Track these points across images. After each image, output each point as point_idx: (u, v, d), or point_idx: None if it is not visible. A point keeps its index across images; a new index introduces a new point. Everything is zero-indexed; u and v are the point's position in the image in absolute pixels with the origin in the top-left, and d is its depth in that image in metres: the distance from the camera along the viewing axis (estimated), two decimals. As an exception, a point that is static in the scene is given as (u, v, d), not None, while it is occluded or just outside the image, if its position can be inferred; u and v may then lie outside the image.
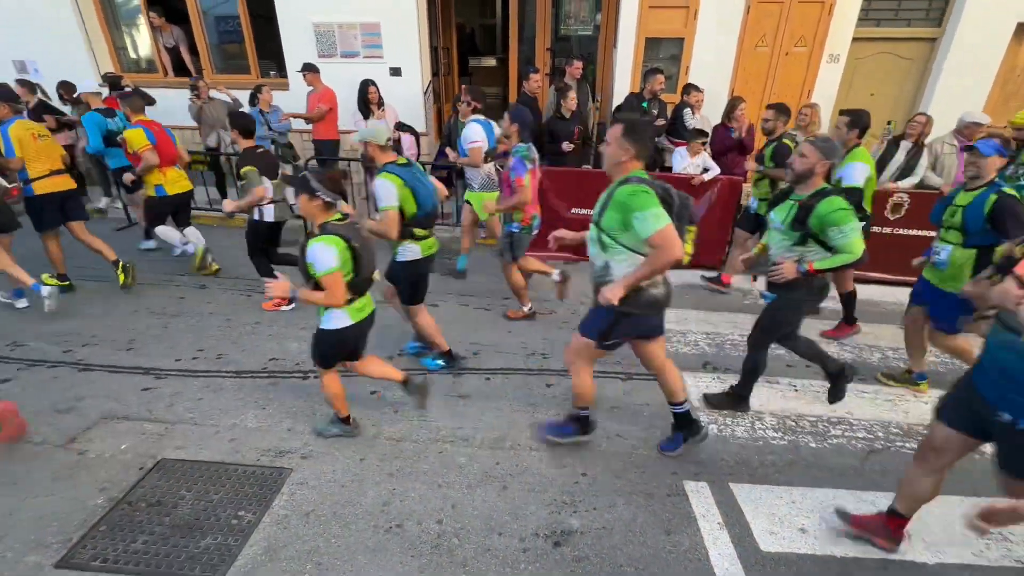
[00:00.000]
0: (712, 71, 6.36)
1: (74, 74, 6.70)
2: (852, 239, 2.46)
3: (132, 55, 8.01)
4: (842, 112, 3.80)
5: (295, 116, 6.13)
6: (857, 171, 3.53)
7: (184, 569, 2.14)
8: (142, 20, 7.68)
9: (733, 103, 5.12)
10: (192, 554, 2.21)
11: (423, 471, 2.69)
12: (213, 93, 6.36)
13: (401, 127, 6.05)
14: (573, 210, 5.32)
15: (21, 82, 6.19)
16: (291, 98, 6.63)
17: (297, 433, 2.94)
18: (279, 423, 3.02)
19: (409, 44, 6.76)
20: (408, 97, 6.79)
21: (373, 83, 5.99)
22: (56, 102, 6.55)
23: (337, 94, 6.20)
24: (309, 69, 5.94)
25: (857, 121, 3.64)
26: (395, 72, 6.82)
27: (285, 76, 7.18)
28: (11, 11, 7.31)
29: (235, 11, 7.25)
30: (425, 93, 6.99)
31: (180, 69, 7.69)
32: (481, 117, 4.61)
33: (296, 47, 6.83)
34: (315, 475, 2.65)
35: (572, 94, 5.40)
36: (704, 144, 5.09)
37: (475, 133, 4.41)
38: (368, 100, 5.99)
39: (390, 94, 6.44)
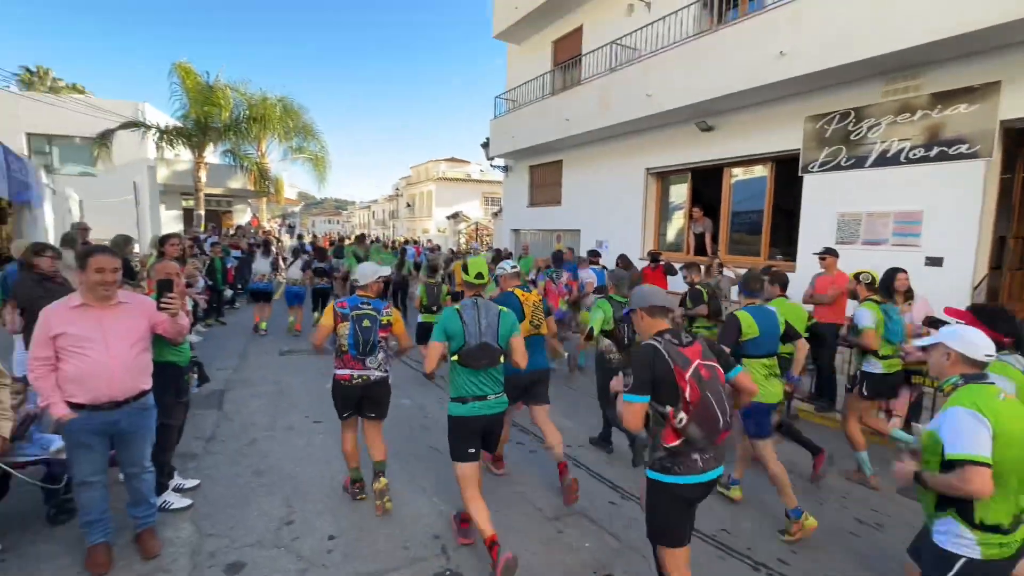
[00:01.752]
0: None
1: (628, 249, 9.20)
2: None
3: (667, 237, 10.35)
4: None
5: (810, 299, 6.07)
6: None
7: None
8: (679, 214, 9.93)
9: None
10: None
11: None
12: (724, 272, 7.26)
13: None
14: None
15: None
16: (794, 279, 6.73)
17: (737, 628, 2.56)
18: (719, 604, 2.73)
19: (961, 233, 5.75)
20: (948, 291, 5.66)
21: (903, 271, 5.33)
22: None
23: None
24: (830, 253, 5.89)
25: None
26: (933, 262, 5.88)
27: (793, 259, 7.45)
28: (600, 201, 10.96)
29: (760, 206, 8.30)
30: (976, 288, 5.65)
31: (699, 251, 9.30)
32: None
33: (813, 234, 7.03)
34: None
35: None
36: None
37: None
38: (893, 288, 5.34)
39: (921, 286, 5.55)
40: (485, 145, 15.04)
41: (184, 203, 20.52)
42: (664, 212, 10.44)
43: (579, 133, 10.86)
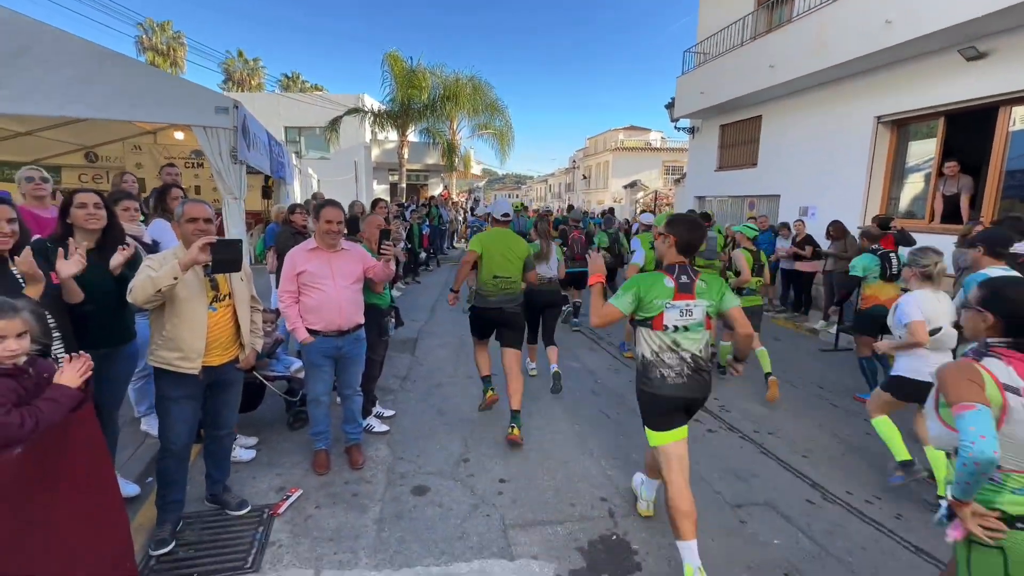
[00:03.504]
0: None
1: (845, 216, 7.67)
2: None
3: (900, 204, 8.36)
4: None
5: None
6: None
7: None
8: (918, 177, 7.87)
9: None
10: None
11: None
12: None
13: None
14: None
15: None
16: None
17: None
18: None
19: None
20: None
21: None
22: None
23: None
24: None
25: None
26: None
27: (1112, 228, 5.33)
28: (807, 160, 9.30)
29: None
30: None
31: (949, 217, 7.30)
32: None
33: None
34: None
35: None
36: None
37: None
38: None
39: None
40: (669, 106, 13.95)
41: (390, 178, 23.57)
42: (898, 171, 8.41)
43: (786, 81, 9.29)
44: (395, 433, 3.93)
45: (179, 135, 8.86)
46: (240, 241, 2.59)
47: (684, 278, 2.37)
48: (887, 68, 7.91)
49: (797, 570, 2.57)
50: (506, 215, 4.10)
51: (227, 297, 2.60)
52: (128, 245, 2.58)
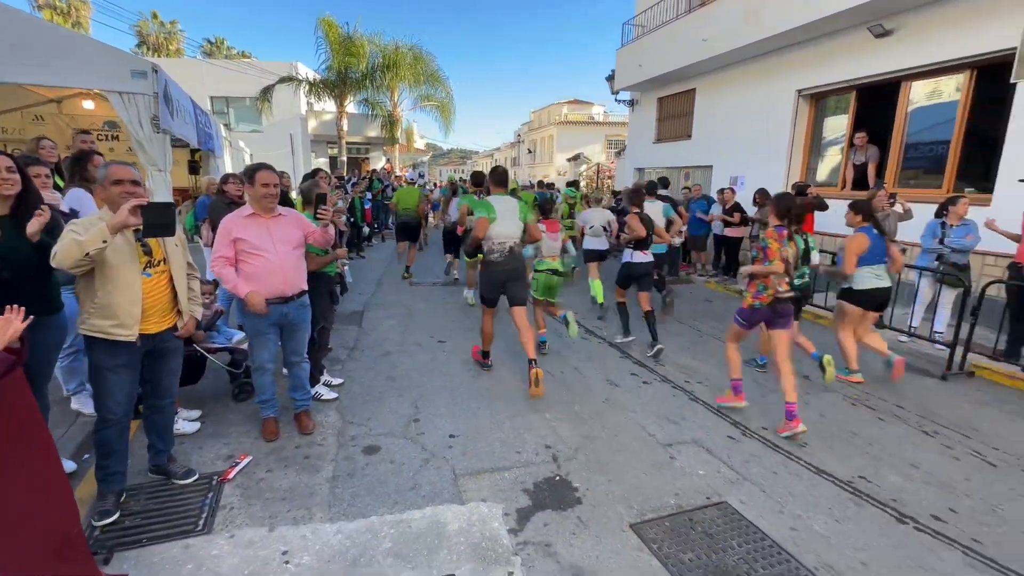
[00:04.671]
0: None
1: (770, 184, 8.22)
2: None
3: (819, 173, 9.03)
4: None
5: (1007, 234, 5.00)
6: None
7: (713, 612, 2.09)
8: (835, 149, 8.54)
9: None
10: (724, 604, 2.12)
11: None
12: (895, 206, 6.16)
13: None
14: None
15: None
16: (986, 214, 5.51)
17: (873, 572, 2.32)
18: (853, 549, 2.48)
19: None
20: None
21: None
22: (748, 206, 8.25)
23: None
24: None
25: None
26: None
27: (990, 192, 6.07)
28: (737, 132, 9.84)
29: (947, 136, 6.81)
30: None
31: (858, 184, 7.98)
32: None
33: (1022, 157, 5.61)
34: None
35: None
36: None
37: None
38: None
39: None
40: (610, 78, 14.18)
41: (329, 151, 22.69)
42: (816, 143, 9.05)
43: (718, 55, 9.70)
44: (344, 400, 3.98)
45: (88, 104, 8.12)
46: (173, 204, 2.53)
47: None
48: (809, 44, 8.43)
49: (717, 494, 2.89)
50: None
51: (162, 263, 2.54)
52: (44, 210, 2.45)
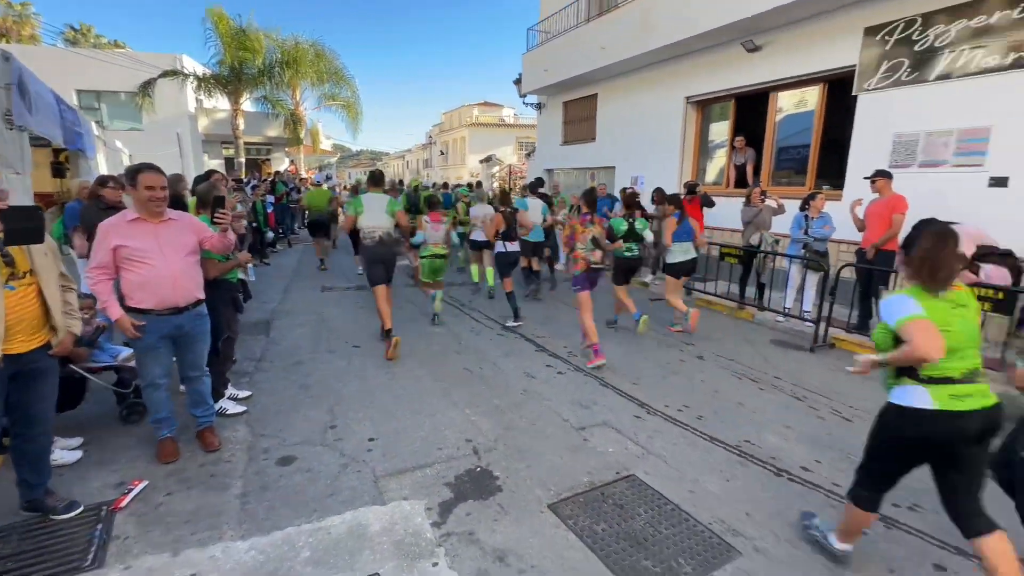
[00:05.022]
0: None
1: (666, 183, 8.89)
2: None
3: (708, 173, 9.92)
4: None
5: (856, 218, 5.80)
6: None
7: (623, 574, 2.28)
8: (721, 152, 9.46)
9: None
10: (634, 567, 2.32)
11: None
12: (767, 200, 6.95)
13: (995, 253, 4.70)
14: None
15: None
16: (840, 209, 6.40)
17: (758, 523, 2.65)
18: (740, 502, 2.82)
19: (1033, 149, 5.27)
20: (1013, 215, 5.26)
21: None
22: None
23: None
24: (883, 175, 5.53)
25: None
26: (998, 182, 5.44)
27: (840, 188, 7.04)
28: (636, 135, 10.56)
29: (807, 140, 7.81)
30: (1044, 208, 5.21)
31: (739, 183, 8.89)
32: None
33: (865, 158, 6.58)
34: (764, 572, 2.29)
35: None
36: None
37: None
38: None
39: (977, 213, 5.21)
40: (518, 81, 14.53)
41: (225, 151, 21.03)
42: (704, 145, 9.94)
43: (615, 62, 10.31)
44: (254, 412, 3.78)
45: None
46: (39, 208, 2.28)
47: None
48: (693, 55, 9.22)
49: (626, 468, 3.13)
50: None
51: (28, 274, 2.29)
52: None
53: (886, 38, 6.40)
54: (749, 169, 8.69)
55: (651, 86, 10.32)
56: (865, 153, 6.67)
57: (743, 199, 7.08)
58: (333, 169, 31.24)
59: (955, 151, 5.81)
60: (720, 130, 9.59)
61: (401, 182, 12.60)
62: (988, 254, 4.63)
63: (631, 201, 5.87)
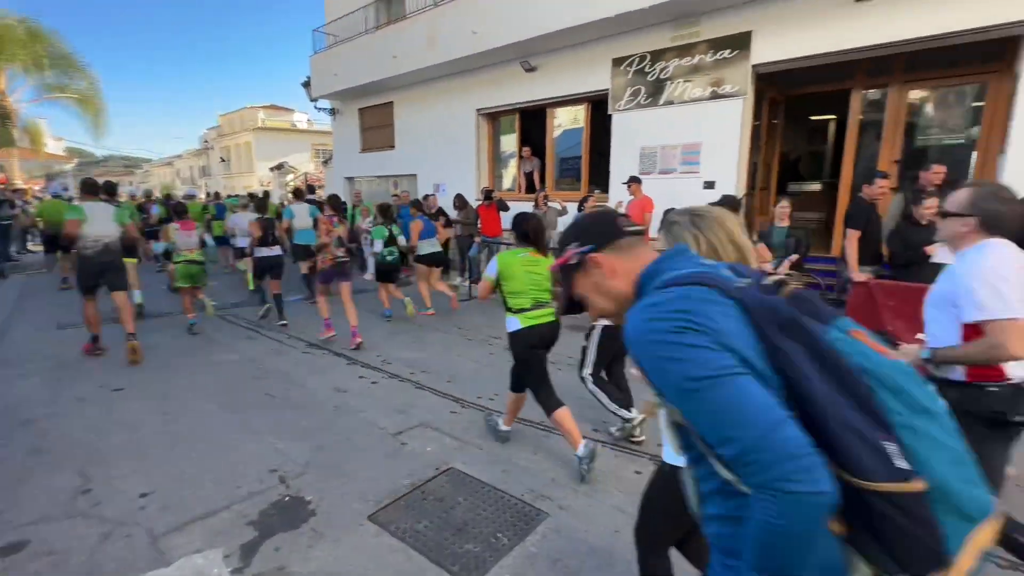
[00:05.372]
0: None
1: (466, 190, 9.33)
2: None
3: (504, 180, 10.72)
4: None
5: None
6: None
7: (447, 563, 2.34)
8: (513, 161, 10.35)
9: None
10: (456, 553, 2.40)
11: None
12: (550, 203, 7.82)
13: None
14: (919, 336, 4.18)
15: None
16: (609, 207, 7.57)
17: (560, 485, 2.98)
18: (545, 471, 3.13)
19: (727, 161, 6.97)
20: (719, 208, 6.88)
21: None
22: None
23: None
24: (634, 180, 6.71)
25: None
26: (708, 185, 7.06)
27: (607, 192, 8.32)
28: (435, 143, 10.92)
29: (579, 153, 9.05)
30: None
31: (530, 189, 9.83)
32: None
33: (622, 167, 7.89)
34: (569, 528, 2.59)
35: (931, 201, 4.50)
36: None
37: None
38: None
39: (700, 205, 6.70)
40: (307, 84, 13.64)
41: None
42: (497, 153, 10.72)
43: (408, 72, 10.44)
44: (-47, 497, 2.82)
45: None
46: None
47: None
48: (481, 70, 9.85)
49: (445, 463, 3.21)
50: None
51: None
52: None
53: (627, 68, 7.78)
54: (536, 177, 9.67)
55: (445, 97, 10.72)
56: (622, 162, 7.99)
57: (532, 203, 7.86)
58: (69, 178, 25.06)
59: (680, 161, 7.37)
60: (510, 141, 10.45)
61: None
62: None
63: (386, 212, 6.63)
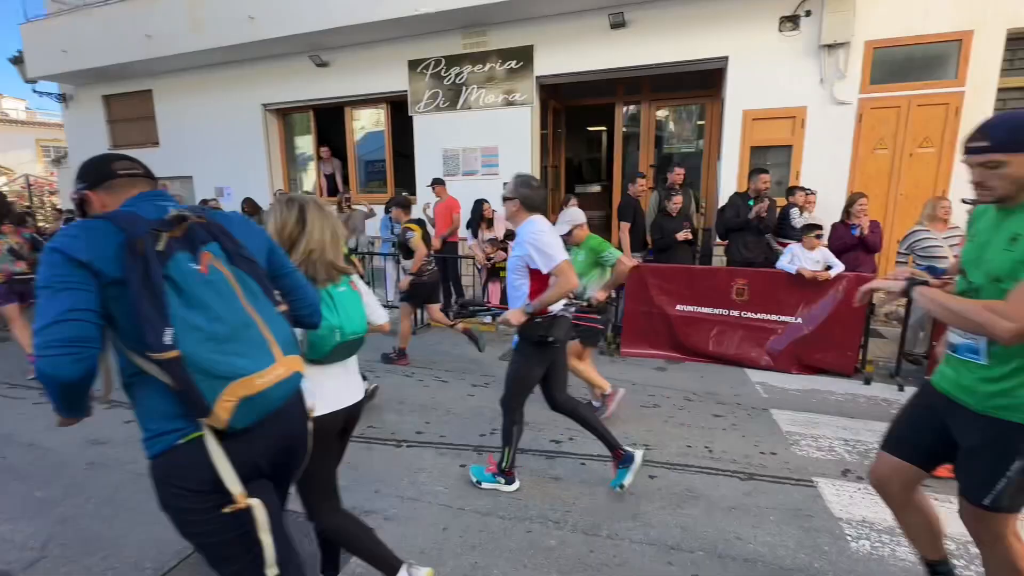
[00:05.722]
0: (825, 175, 6.19)
1: (256, 194, 8.35)
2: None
3: (302, 182, 9.88)
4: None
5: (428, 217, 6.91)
6: None
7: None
8: (312, 163, 9.62)
9: (852, 198, 4.87)
10: None
11: (508, 548, 2.42)
12: (355, 205, 7.48)
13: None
14: (679, 307, 5.14)
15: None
16: (415, 211, 7.55)
17: (384, 496, 2.85)
18: (368, 485, 2.97)
19: (523, 164, 7.55)
20: (518, 207, 7.43)
21: (486, 201, 6.70)
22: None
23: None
24: (437, 182, 6.82)
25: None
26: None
27: (414, 194, 8.30)
28: (213, 141, 9.57)
29: (382, 156, 8.86)
30: (534, 204, 7.60)
31: (332, 192, 9.25)
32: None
33: (427, 169, 7.95)
34: (396, 537, 2.49)
35: (677, 197, 5.55)
36: (819, 237, 4.80)
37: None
38: (482, 215, 6.66)
39: (500, 208, 7.12)
40: (18, 61, 10.59)
41: None
42: (291, 153, 9.83)
43: (168, 56, 8.87)
44: None
45: None
46: None
47: None
48: (265, 61, 8.88)
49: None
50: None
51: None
52: None
53: (424, 71, 7.86)
54: (338, 179, 9.14)
55: (224, 88, 9.40)
56: (426, 164, 8.06)
57: (336, 206, 7.41)
58: None
59: (482, 163, 7.75)
60: (306, 141, 9.68)
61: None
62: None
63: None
